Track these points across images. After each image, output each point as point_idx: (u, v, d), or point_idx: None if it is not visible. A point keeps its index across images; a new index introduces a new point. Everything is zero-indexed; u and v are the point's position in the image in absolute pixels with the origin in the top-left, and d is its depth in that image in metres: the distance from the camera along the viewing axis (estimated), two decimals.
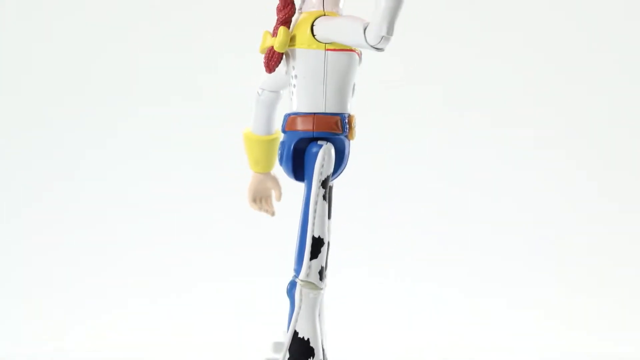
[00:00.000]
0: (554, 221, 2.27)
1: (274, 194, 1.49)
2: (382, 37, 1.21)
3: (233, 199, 2.13)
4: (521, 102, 2.36)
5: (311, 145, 1.29)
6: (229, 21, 2.28)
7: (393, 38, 1.22)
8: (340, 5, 1.31)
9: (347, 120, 1.29)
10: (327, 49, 1.28)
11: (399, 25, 1.21)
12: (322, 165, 1.28)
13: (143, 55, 2.31)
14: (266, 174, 1.47)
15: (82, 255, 2.12)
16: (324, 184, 1.28)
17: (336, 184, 1.35)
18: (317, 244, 1.27)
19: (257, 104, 1.41)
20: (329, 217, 1.32)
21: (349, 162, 1.33)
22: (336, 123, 1.28)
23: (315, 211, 1.27)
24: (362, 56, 1.32)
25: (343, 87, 1.28)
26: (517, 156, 2.33)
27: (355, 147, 1.35)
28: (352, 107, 1.31)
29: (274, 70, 1.32)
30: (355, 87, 1.31)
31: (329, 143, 1.28)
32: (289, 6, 1.32)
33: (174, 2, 2.34)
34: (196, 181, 2.23)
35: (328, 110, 1.28)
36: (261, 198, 1.45)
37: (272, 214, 1.49)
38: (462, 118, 2.33)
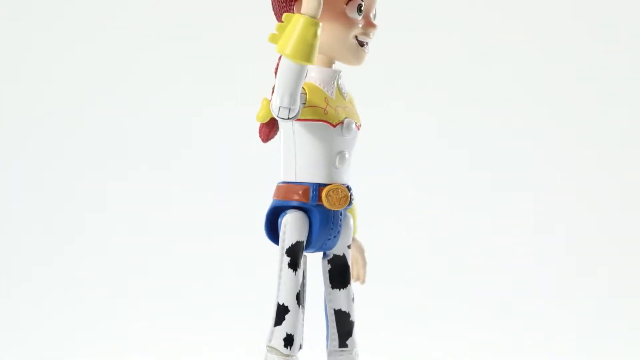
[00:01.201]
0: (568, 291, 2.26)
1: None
2: (279, 107, 1.24)
3: (232, 263, 2.16)
4: (522, 166, 2.37)
5: (282, 213, 1.31)
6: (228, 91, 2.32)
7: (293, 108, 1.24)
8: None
9: (318, 190, 1.30)
10: (311, 119, 1.30)
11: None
12: (285, 233, 1.30)
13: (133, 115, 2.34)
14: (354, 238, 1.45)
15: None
16: (289, 252, 1.29)
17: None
18: (282, 311, 1.29)
19: None
20: (342, 287, 1.34)
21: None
22: (303, 192, 1.30)
23: (280, 278, 1.30)
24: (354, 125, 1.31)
25: (315, 157, 1.30)
26: (518, 222, 2.34)
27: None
28: (339, 177, 1.31)
29: (267, 140, 1.35)
30: (343, 155, 1.31)
31: (296, 212, 1.30)
32: None
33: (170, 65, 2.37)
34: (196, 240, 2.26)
35: (298, 180, 1.30)
36: (357, 269, 1.44)
37: (359, 281, 1.46)
38: (464, 182, 2.35)
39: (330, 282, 1.35)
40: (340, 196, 1.30)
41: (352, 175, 1.34)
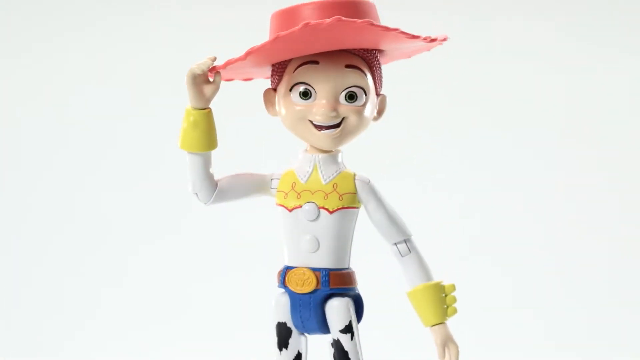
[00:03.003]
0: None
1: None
2: (190, 192, 1.31)
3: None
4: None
5: None
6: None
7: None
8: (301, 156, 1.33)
9: (285, 273, 1.32)
10: (277, 204, 1.33)
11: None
12: (273, 313, 1.33)
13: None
14: (433, 328, 1.35)
15: None
16: (275, 331, 1.32)
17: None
18: None
19: None
20: None
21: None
22: (278, 274, 1.33)
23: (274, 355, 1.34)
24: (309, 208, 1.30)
25: (286, 240, 1.32)
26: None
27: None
28: (308, 261, 1.30)
29: None
30: (311, 240, 1.30)
31: (279, 294, 1.33)
32: None
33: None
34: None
35: (284, 262, 1.33)
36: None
37: None
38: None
39: None
40: (302, 279, 1.30)
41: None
